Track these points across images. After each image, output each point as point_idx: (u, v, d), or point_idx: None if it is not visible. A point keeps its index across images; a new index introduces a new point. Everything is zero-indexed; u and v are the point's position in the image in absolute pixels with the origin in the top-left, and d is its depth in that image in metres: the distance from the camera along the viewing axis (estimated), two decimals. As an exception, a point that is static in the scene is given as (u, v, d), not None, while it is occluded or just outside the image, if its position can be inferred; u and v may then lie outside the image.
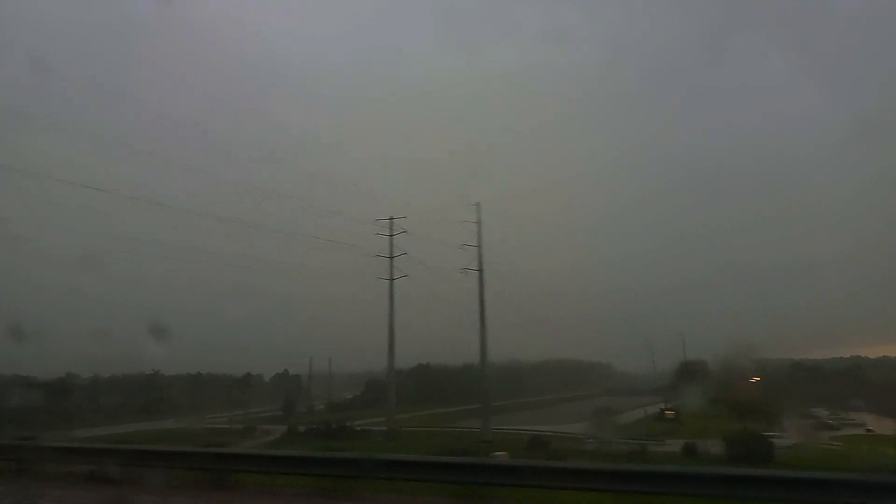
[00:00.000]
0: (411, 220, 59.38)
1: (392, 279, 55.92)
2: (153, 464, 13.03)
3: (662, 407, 66.95)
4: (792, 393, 66.48)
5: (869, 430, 57.23)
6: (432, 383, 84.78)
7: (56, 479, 13.14)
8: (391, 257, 56.52)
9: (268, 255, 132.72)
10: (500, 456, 27.94)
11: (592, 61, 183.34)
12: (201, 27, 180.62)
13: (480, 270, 55.56)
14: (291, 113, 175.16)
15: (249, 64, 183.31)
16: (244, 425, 62.53)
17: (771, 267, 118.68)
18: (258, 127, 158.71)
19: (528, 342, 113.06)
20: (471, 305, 56.03)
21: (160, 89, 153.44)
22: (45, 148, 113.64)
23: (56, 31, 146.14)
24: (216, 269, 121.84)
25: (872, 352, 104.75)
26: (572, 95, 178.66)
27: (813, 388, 73.48)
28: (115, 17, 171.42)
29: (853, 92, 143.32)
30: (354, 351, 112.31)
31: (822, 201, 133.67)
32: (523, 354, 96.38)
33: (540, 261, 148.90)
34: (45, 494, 11.72)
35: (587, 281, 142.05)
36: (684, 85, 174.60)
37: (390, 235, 57.16)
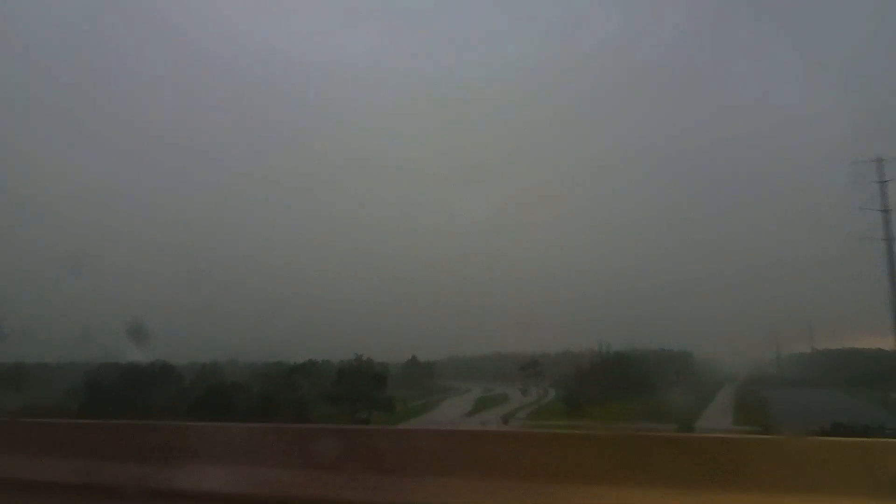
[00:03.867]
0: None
1: (890, 239, 46.71)
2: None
3: None
4: None
5: None
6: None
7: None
8: (884, 210, 47.14)
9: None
10: None
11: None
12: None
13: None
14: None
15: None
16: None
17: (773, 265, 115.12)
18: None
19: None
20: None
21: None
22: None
23: (37, 22, 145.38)
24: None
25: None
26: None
27: None
28: (104, 8, 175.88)
29: (862, 88, 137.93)
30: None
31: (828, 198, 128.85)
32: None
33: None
34: None
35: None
36: (690, 78, 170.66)
37: (880, 182, 47.41)
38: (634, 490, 4.96)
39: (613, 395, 63.44)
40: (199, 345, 73.58)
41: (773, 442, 5.38)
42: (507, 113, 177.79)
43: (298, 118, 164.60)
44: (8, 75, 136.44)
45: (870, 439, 6.07)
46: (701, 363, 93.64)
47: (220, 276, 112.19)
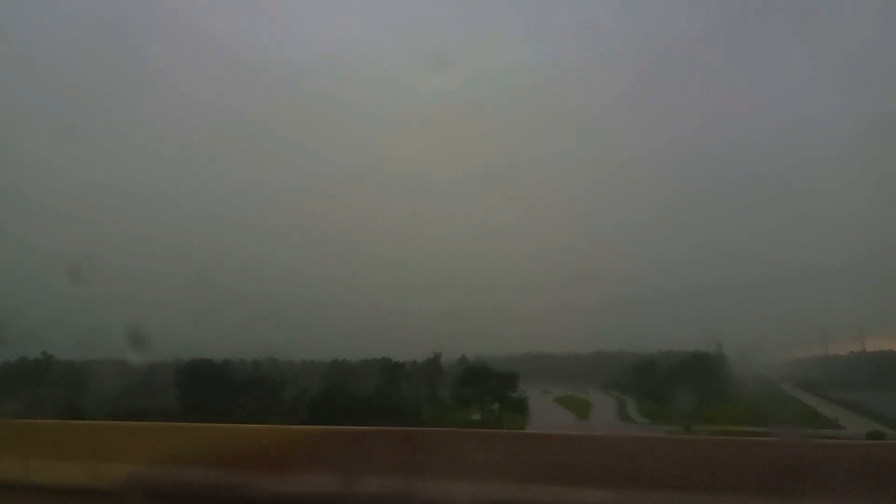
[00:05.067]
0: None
1: None
2: None
3: None
4: None
5: None
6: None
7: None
8: None
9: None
10: None
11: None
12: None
13: None
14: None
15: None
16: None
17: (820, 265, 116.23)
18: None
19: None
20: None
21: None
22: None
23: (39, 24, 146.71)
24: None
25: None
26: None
27: None
28: (103, 8, 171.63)
29: (876, 91, 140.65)
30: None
31: (835, 203, 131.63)
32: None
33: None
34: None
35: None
36: (698, 80, 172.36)
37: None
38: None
39: (709, 397, 61.98)
40: (202, 344, 69.88)
41: None
42: (523, 117, 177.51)
43: (310, 120, 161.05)
44: (8, 75, 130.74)
45: None
46: (740, 364, 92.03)
47: (221, 278, 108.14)
